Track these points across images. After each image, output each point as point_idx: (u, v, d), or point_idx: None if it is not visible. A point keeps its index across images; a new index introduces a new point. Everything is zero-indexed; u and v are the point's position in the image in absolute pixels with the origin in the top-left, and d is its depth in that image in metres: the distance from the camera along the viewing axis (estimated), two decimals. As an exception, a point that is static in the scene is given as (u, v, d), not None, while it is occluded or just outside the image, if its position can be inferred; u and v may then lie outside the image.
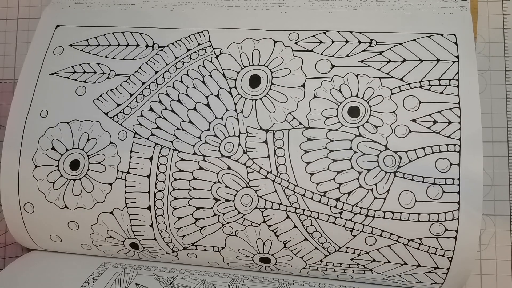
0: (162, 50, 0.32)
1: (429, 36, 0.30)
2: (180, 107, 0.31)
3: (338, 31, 0.31)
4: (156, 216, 0.30)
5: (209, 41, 0.32)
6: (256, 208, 0.29)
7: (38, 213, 0.32)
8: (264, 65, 0.31)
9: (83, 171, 0.31)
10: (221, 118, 0.30)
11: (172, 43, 0.32)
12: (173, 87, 0.31)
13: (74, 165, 0.31)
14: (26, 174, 0.31)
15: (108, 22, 0.34)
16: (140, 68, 0.32)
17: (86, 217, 0.31)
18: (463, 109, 0.28)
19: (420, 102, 0.29)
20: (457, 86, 0.29)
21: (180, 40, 0.32)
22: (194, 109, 0.30)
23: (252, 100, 0.30)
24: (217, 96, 0.31)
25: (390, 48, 0.30)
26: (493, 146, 0.34)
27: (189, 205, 0.30)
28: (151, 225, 0.30)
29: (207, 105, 0.30)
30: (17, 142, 0.32)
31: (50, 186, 0.31)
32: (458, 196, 0.27)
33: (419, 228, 0.28)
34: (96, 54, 0.33)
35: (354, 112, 0.29)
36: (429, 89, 0.29)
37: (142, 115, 0.31)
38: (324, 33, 0.31)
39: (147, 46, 0.32)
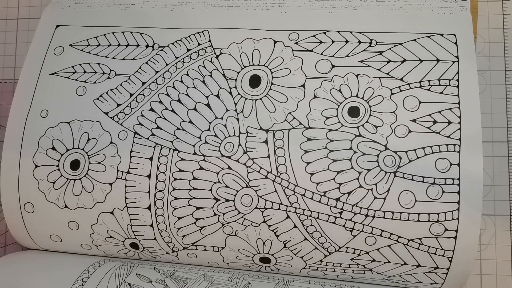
0: (162, 50, 0.32)
1: (429, 36, 0.30)
2: (180, 107, 0.31)
3: (338, 31, 0.31)
4: (156, 216, 0.30)
5: (209, 41, 0.32)
6: (256, 208, 0.29)
7: (38, 213, 0.32)
8: (264, 65, 0.31)
9: (83, 171, 0.31)
10: (221, 118, 0.30)
11: (172, 43, 0.32)
12: (173, 87, 0.31)
13: (74, 165, 0.31)
14: (26, 174, 0.31)
15: (108, 22, 0.34)
16: (140, 68, 0.32)
17: (86, 217, 0.31)
18: (463, 109, 0.28)
19: (420, 102, 0.29)
20: (457, 86, 0.29)
21: (180, 40, 0.32)
22: (194, 109, 0.31)
23: (252, 100, 0.30)
24: (217, 96, 0.31)
25: (390, 48, 0.30)
26: (493, 146, 0.34)
27: (189, 205, 0.30)
28: (151, 225, 0.30)
29: (207, 105, 0.30)
30: (17, 142, 0.32)
31: (50, 186, 0.31)
32: (458, 196, 0.27)
33: (419, 228, 0.28)
34: (96, 54, 0.33)
35: (354, 112, 0.29)
36: (429, 89, 0.29)
37: (142, 115, 0.31)
38: (324, 33, 0.31)
39: (147, 46, 0.32)
